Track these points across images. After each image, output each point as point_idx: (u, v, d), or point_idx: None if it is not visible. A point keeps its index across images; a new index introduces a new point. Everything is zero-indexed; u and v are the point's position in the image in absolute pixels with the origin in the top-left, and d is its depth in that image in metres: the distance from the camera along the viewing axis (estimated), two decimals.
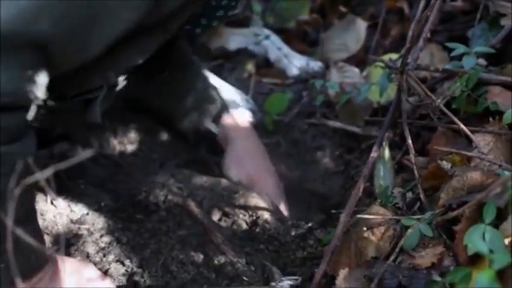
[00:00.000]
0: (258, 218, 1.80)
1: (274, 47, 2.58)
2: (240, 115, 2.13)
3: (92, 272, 1.57)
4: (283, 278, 1.55)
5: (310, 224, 1.79)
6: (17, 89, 1.21)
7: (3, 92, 1.18)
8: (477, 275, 1.10)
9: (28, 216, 1.39)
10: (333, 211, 1.75)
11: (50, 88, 1.31)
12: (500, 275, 1.18)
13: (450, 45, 1.75)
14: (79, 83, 1.51)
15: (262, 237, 1.77)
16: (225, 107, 2.08)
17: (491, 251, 1.19)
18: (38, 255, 1.38)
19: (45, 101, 1.33)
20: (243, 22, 2.68)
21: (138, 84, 1.80)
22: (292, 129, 2.24)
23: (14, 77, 1.20)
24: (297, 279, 1.53)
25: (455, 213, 1.39)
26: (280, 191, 1.97)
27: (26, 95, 1.23)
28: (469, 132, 1.61)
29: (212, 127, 2.06)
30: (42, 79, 1.26)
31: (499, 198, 1.31)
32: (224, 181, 1.90)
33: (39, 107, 1.31)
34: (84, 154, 0.84)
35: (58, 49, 1.27)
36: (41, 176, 0.82)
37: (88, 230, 1.74)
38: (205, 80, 2.11)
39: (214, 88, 2.11)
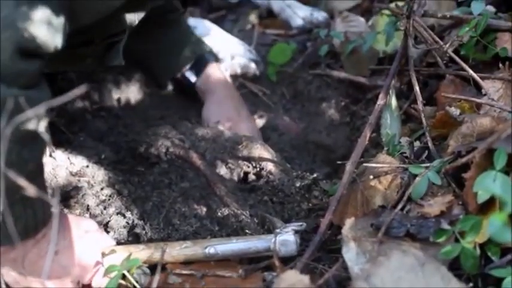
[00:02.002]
0: (262, 169, 1.76)
1: None
2: (220, 66, 2.14)
3: (90, 224, 1.54)
4: (287, 225, 1.51)
5: (315, 175, 1.76)
6: (42, 36, 1.21)
7: (29, 37, 1.19)
8: (489, 219, 1.06)
9: (37, 170, 1.37)
10: (339, 162, 1.71)
11: (78, 33, 1.34)
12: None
13: None
14: (105, 28, 1.60)
15: (266, 188, 1.74)
16: (205, 57, 2.09)
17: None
18: (44, 210, 1.37)
19: (72, 46, 1.34)
20: None
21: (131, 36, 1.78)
22: (296, 81, 2.21)
23: (39, 24, 1.20)
24: (301, 225, 1.50)
25: (464, 159, 1.35)
26: (258, 137, 1.96)
27: (49, 43, 1.23)
28: (478, 79, 1.59)
29: (190, 75, 2.07)
30: (64, 28, 1.26)
31: (510, 144, 1.28)
32: (227, 132, 1.86)
33: (65, 53, 1.31)
34: (77, 90, 0.80)
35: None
36: (32, 113, 0.78)
37: (88, 182, 1.70)
38: (183, 25, 2.12)
39: (195, 36, 2.13)
